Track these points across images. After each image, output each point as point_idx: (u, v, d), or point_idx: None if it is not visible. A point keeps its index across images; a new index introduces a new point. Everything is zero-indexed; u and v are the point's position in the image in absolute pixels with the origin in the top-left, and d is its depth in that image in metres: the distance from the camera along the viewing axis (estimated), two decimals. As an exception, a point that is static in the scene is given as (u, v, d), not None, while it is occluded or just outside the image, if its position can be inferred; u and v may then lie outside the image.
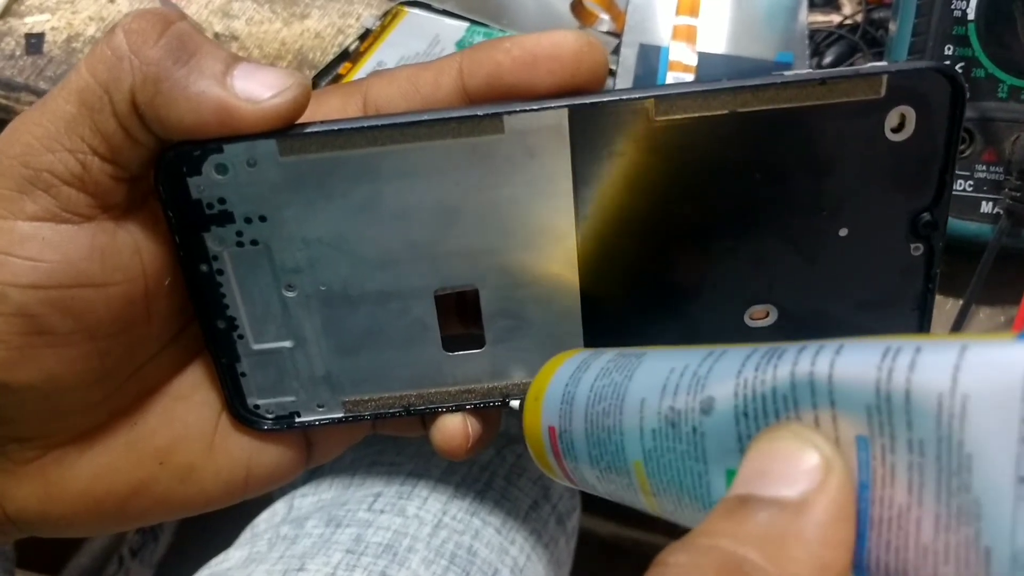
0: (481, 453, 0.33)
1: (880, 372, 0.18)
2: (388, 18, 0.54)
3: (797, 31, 0.47)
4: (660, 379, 0.24)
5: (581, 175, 0.29)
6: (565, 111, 0.28)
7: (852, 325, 0.31)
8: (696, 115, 0.28)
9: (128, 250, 0.28)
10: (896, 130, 0.28)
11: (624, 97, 0.28)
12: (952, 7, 0.39)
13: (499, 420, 0.35)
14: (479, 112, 0.28)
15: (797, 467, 0.19)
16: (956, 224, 0.40)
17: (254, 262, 0.29)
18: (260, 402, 0.32)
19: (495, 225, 0.30)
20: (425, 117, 0.28)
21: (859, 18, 0.49)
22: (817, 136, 0.28)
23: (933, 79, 0.28)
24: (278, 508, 0.50)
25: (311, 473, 0.53)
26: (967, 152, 0.40)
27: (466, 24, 0.52)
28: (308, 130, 0.28)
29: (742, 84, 0.28)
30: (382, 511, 0.46)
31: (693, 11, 0.48)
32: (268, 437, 0.33)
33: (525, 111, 0.28)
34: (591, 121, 0.28)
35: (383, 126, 0.28)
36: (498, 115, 0.28)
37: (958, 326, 0.40)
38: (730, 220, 0.30)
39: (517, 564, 0.47)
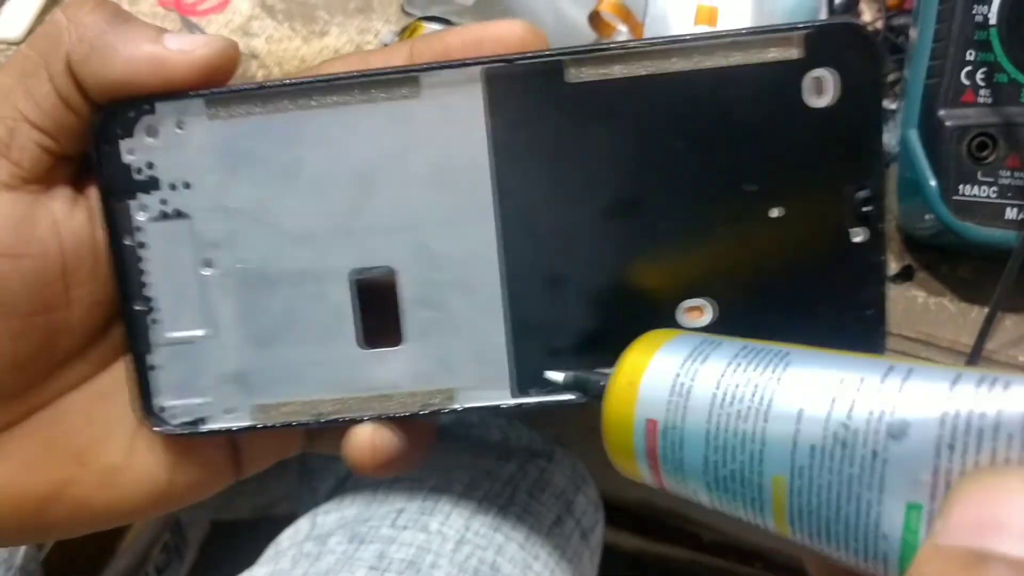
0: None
1: None
2: (406, 34, 0.54)
3: (816, 39, 0.47)
4: (827, 389, 0.21)
5: (499, 142, 0.29)
6: (479, 69, 0.28)
7: (801, 330, 0.28)
8: (611, 77, 0.28)
9: (45, 223, 0.29)
10: (817, 95, 0.28)
11: (538, 54, 0.28)
12: (973, 12, 0.39)
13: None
14: (397, 69, 0.29)
15: None
16: (980, 231, 0.39)
17: (176, 235, 0.30)
18: (167, 404, 0.31)
19: (413, 198, 0.29)
20: (345, 75, 0.29)
21: (879, 24, 0.49)
22: (736, 101, 0.28)
23: (849, 37, 0.27)
24: (301, 525, 0.50)
25: (333, 490, 0.53)
26: (990, 158, 0.39)
27: (483, 39, 0.52)
28: (234, 88, 0.29)
29: (650, 42, 0.28)
30: (405, 527, 0.46)
31: (711, 20, 0.48)
32: (193, 443, 0.32)
33: (439, 68, 0.28)
34: (506, 82, 0.28)
35: (304, 83, 0.29)
36: (413, 73, 0.28)
37: (984, 335, 0.39)
38: (655, 196, 0.29)
39: (541, 579, 0.46)
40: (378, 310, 0.31)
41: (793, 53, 0.27)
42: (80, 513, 0.31)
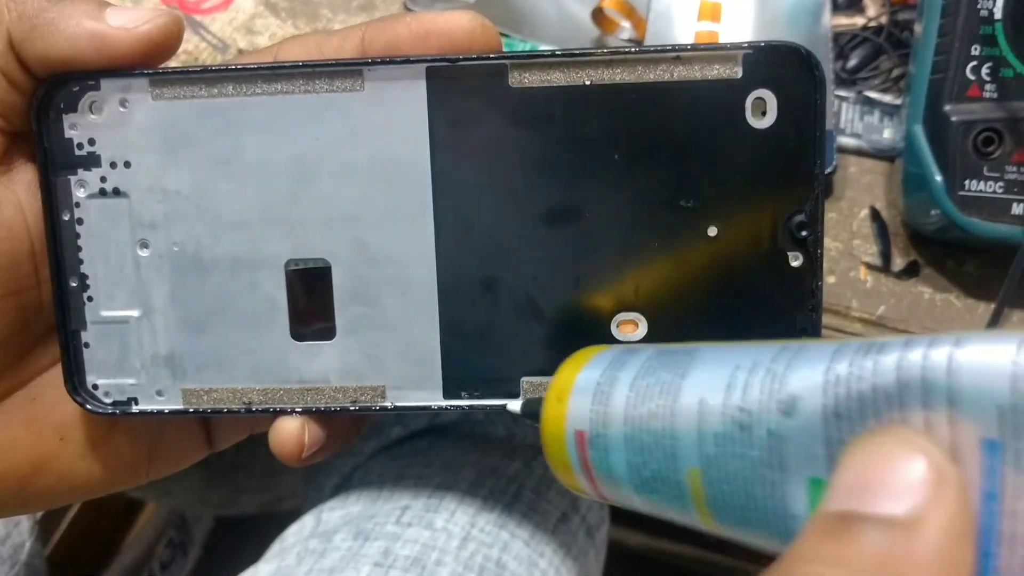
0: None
1: (1017, 367, 0.16)
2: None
3: (820, 34, 0.47)
4: (723, 376, 0.22)
5: (439, 142, 0.29)
6: (423, 67, 0.28)
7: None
8: (554, 85, 0.28)
9: (10, 206, 0.29)
10: (759, 116, 0.28)
11: (482, 57, 0.28)
12: (979, 6, 0.39)
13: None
14: (340, 61, 0.29)
15: (904, 478, 0.17)
16: (986, 227, 0.39)
17: (114, 213, 0.30)
18: (100, 382, 0.31)
19: (352, 190, 0.29)
20: (289, 63, 0.29)
21: (883, 20, 0.49)
22: (678, 117, 0.28)
23: (789, 59, 0.27)
24: (306, 522, 0.50)
25: (338, 487, 0.53)
26: (996, 153, 0.39)
27: (487, 35, 0.52)
28: (179, 69, 0.29)
29: (596, 51, 0.28)
30: (410, 524, 0.46)
31: (715, 16, 0.48)
32: (170, 417, 0.32)
33: (383, 63, 0.28)
34: (450, 82, 0.28)
35: (248, 69, 0.29)
36: (358, 67, 0.29)
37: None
38: (593, 206, 0.29)
39: (546, 576, 0.46)
40: (315, 302, 0.31)
41: (735, 72, 0.27)
42: (62, 486, 0.32)
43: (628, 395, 0.24)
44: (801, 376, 0.20)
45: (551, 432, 0.26)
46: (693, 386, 0.22)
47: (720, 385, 0.21)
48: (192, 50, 0.52)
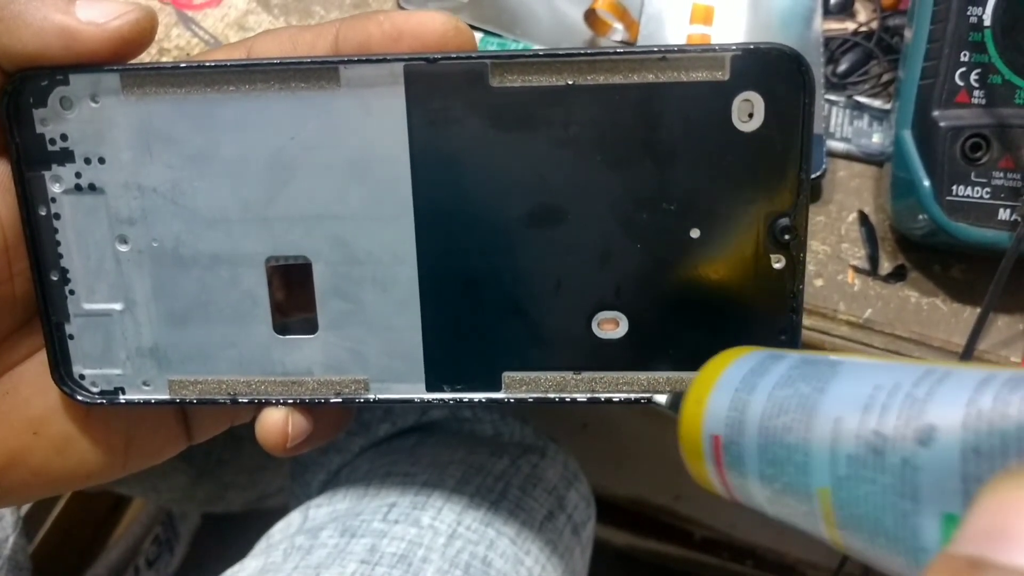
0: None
1: None
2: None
3: (812, 38, 0.47)
4: (861, 397, 0.21)
5: (418, 141, 0.29)
6: (401, 66, 0.28)
7: (714, 351, 0.28)
8: (535, 84, 0.28)
9: None
10: (745, 119, 0.27)
11: (462, 56, 0.28)
12: (968, 13, 0.39)
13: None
14: (316, 60, 0.28)
15: None
16: (973, 232, 0.39)
17: (91, 209, 0.30)
18: (86, 372, 0.31)
19: (330, 189, 0.29)
20: (263, 61, 0.28)
21: (874, 25, 0.49)
22: (662, 119, 0.28)
23: (777, 61, 0.27)
24: (293, 518, 0.51)
25: (325, 484, 0.54)
26: (983, 159, 0.39)
27: (480, 35, 0.52)
28: (150, 66, 0.28)
29: (579, 52, 0.27)
30: (396, 521, 0.46)
31: (707, 20, 0.48)
32: (147, 409, 0.32)
33: (360, 61, 0.28)
34: (429, 81, 0.28)
35: (221, 66, 0.28)
36: (334, 65, 0.28)
37: (976, 335, 0.40)
38: (573, 207, 0.29)
39: (532, 574, 0.47)
40: (296, 297, 0.31)
41: (721, 74, 0.27)
42: (36, 479, 0.32)
43: (765, 405, 0.23)
44: (942, 405, 0.19)
45: (688, 434, 0.26)
46: (830, 402, 0.22)
47: (858, 404, 0.21)
48: (184, 46, 0.52)
